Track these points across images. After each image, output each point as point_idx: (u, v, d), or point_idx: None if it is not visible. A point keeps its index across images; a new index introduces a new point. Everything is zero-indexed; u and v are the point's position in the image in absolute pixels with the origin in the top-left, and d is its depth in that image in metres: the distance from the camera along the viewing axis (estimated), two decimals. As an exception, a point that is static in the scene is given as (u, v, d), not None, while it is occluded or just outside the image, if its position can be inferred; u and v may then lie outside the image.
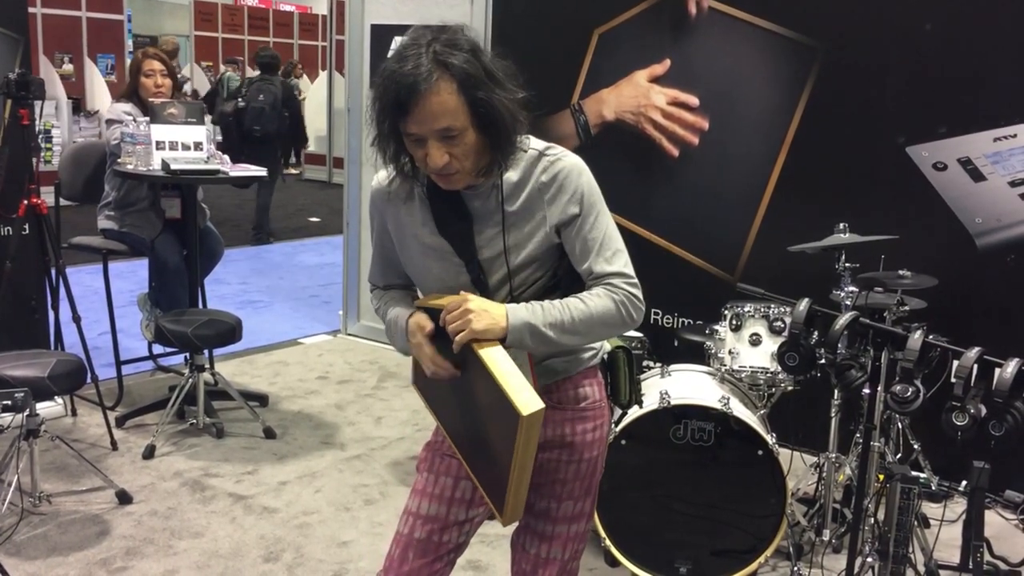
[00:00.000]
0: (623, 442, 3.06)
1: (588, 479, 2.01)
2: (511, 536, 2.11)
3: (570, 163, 1.82)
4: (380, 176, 1.92)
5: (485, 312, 1.73)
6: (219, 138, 13.71)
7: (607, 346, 2.05)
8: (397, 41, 5.38)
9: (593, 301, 1.80)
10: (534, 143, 1.83)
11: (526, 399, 1.61)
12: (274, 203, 9.34)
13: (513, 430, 1.62)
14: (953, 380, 2.19)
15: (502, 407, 1.64)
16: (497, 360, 1.69)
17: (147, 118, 4.40)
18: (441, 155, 1.70)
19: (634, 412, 3.04)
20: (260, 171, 4.76)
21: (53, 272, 4.18)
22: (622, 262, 1.85)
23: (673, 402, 3.04)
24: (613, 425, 3.08)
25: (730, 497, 3.05)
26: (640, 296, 1.85)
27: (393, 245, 1.96)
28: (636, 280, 1.85)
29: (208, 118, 4.67)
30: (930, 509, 3.58)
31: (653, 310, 4.63)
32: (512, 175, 1.81)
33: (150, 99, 4.55)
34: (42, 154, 9.30)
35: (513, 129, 1.74)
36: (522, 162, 1.81)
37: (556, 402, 1.93)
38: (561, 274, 1.88)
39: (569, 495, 2.00)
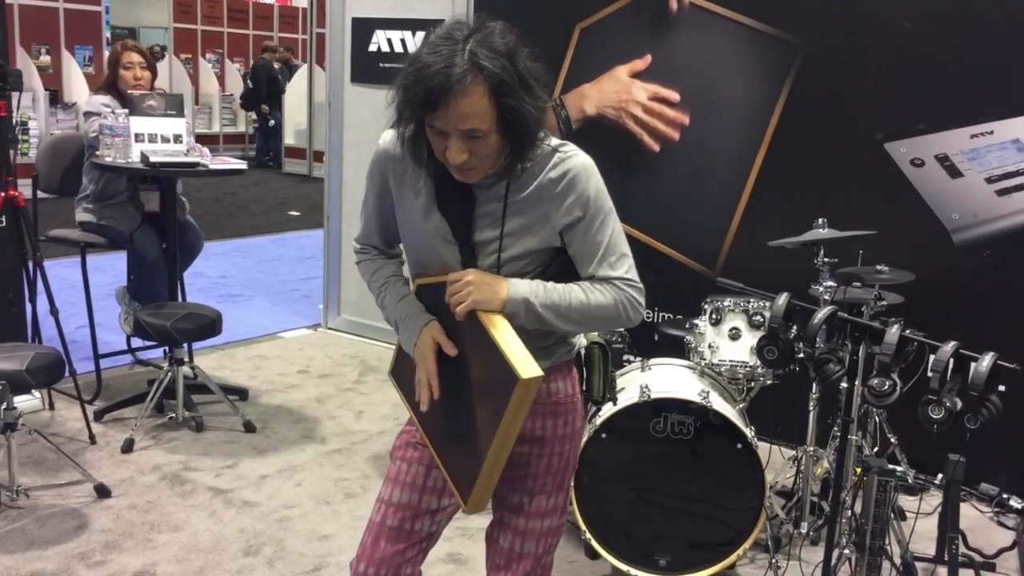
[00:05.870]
0: (603, 435, 3.08)
1: (560, 474, 2.01)
2: (486, 530, 2.12)
3: (579, 164, 1.81)
4: (388, 136, 1.87)
5: (486, 284, 1.76)
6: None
7: (583, 341, 2.05)
8: (378, 34, 5.40)
9: (594, 294, 1.83)
10: (549, 139, 1.82)
11: (526, 364, 1.64)
12: (254, 196, 9.27)
13: (505, 399, 1.63)
14: (929, 374, 2.21)
15: (496, 375, 1.66)
16: (500, 327, 1.72)
17: (126, 110, 4.38)
18: (461, 153, 1.69)
19: (615, 406, 3.06)
20: (240, 164, 4.74)
21: (31, 265, 4.15)
22: (625, 267, 1.85)
23: (653, 396, 3.06)
24: (593, 419, 3.10)
25: (709, 490, 3.07)
26: (641, 301, 1.86)
27: (391, 206, 1.93)
28: (640, 285, 1.86)
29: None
30: (906, 502, 3.62)
31: (633, 304, 4.65)
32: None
33: (129, 91, 4.53)
34: (19, 146, 9.22)
35: (535, 135, 1.74)
36: (535, 156, 1.80)
37: None
38: (551, 273, 1.88)
39: (541, 489, 2.00)
